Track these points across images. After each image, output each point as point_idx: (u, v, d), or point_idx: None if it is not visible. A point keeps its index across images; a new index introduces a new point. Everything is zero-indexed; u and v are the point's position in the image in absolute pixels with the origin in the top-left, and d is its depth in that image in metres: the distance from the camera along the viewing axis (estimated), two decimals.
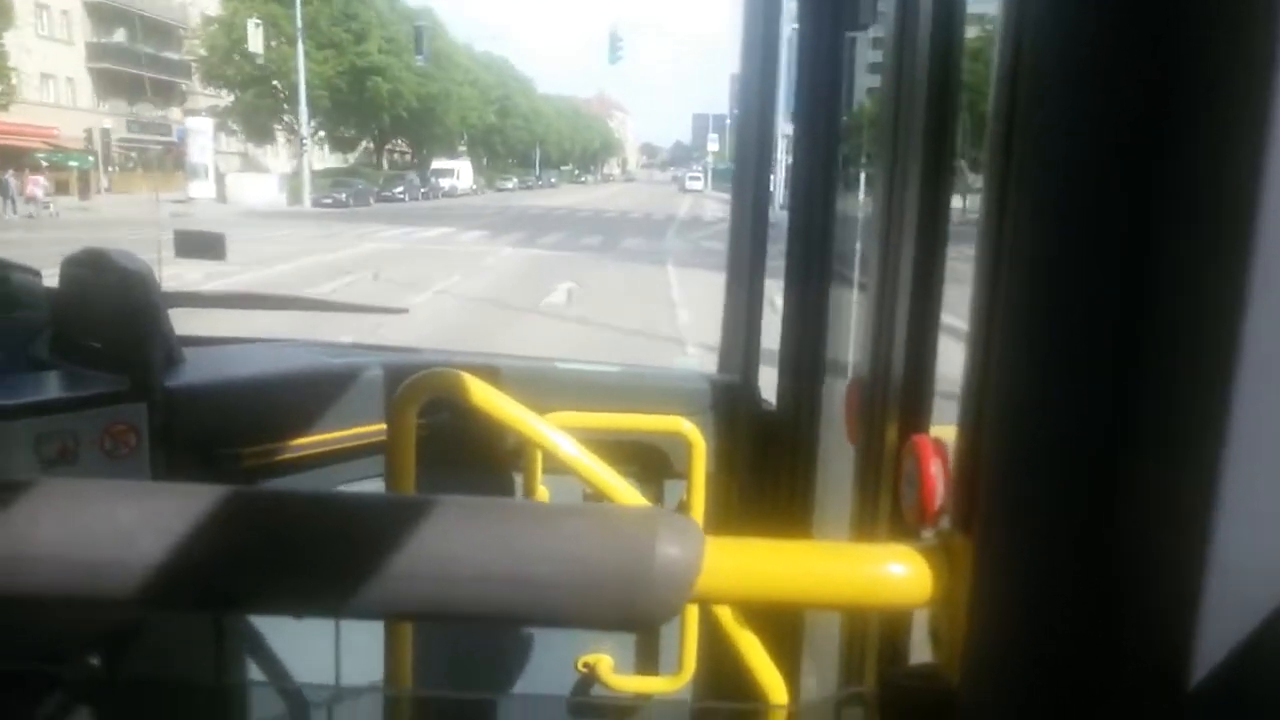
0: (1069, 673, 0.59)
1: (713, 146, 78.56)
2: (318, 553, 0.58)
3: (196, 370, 1.77)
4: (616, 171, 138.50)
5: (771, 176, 2.14)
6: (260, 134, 49.26)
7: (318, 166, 49.46)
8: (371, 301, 11.03)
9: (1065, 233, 0.56)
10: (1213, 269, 0.50)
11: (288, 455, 1.73)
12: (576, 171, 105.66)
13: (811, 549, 0.79)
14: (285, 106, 46.54)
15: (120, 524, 0.58)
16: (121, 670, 1.60)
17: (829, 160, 1.81)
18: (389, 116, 50.69)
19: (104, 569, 0.58)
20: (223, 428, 1.70)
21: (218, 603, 0.72)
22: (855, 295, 1.70)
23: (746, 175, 2.10)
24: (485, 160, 73.92)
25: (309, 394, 1.83)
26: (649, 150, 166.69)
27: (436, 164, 57.89)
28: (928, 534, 1.03)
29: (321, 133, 50.99)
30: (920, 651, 0.74)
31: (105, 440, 1.56)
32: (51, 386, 1.62)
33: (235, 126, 48.18)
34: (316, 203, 39.05)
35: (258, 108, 46.90)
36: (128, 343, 1.63)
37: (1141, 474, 0.55)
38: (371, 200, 41.55)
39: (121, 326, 1.65)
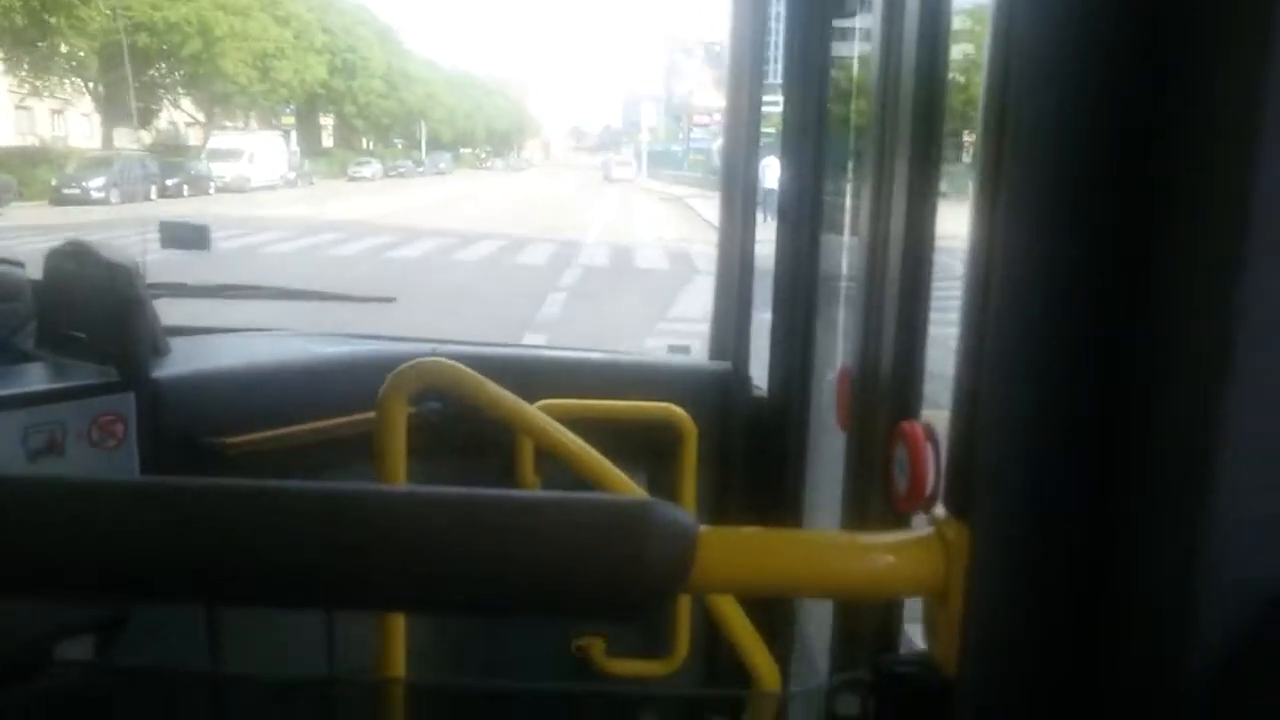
0: (1065, 659, 0.59)
1: (649, 122, 70.86)
2: (306, 545, 0.57)
3: (183, 360, 1.76)
4: (539, 156, 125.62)
5: (760, 163, 2.13)
6: None
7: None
8: None
9: (1058, 216, 0.56)
10: (1209, 256, 0.51)
11: (276, 445, 1.73)
12: (484, 155, 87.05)
13: (806, 538, 0.79)
14: None
15: (103, 517, 0.58)
16: (112, 658, 1.60)
17: (818, 147, 1.80)
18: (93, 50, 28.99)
19: (89, 562, 0.57)
20: (210, 418, 1.69)
21: (205, 595, 0.71)
22: (845, 281, 1.70)
23: (736, 162, 2.10)
24: (336, 136, 56.53)
25: (297, 383, 1.83)
26: (577, 134, 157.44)
27: (216, 141, 35.72)
28: (919, 519, 1.04)
29: None
30: (913, 637, 0.74)
31: (93, 431, 1.55)
32: (37, 378, 1.62)
33: None
34: None
35: None
36: (114, 333, 1.63)
37: (1139, 459, 0.55)
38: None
39: (107, 317, 1.64)
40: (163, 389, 1.64)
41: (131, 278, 1.65)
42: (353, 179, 44.65)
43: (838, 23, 1.77)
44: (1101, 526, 0.57)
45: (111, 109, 32.88)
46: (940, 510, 0.67)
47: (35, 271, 1.84)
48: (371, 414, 1.49)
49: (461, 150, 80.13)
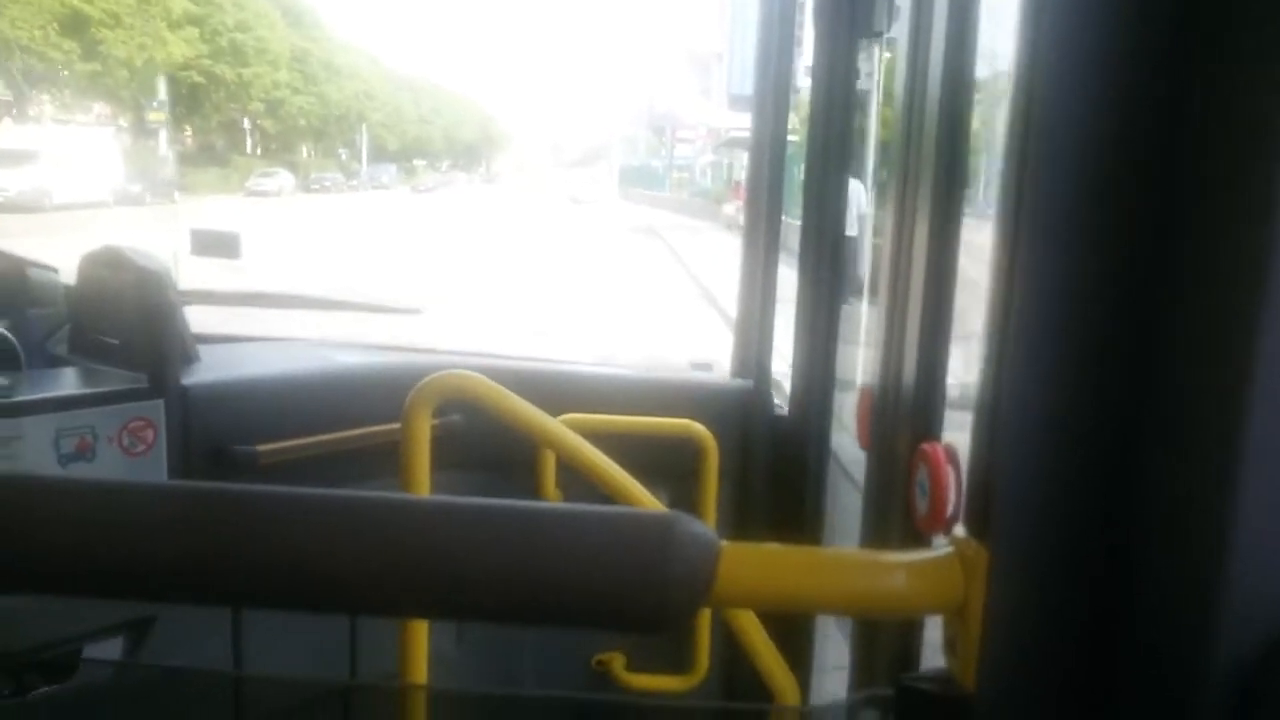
0: (1085, 679, 0.60)
1: (624, 135, 62.19)
2: (334, 552, 0.58)
3: (212, 368, 1.78)
4: (513, 171, 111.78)
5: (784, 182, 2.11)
6: None
7: None
8: None
9: (1079, 240, 0.57)
10: (1228, 278, 0.51)
11: (302, 453, 1.75)
12: (443, 168, 75.11)
13: (826, 555, 0.80)
14: None
15: (135, 521, 0.59)
16: (141, 657, 1.62)
17: (841, 167, 1.81)
18: None
19: (119, 563, 0.59)
20: (238, 425, 1.71)
21: (231, 598, 0.74)
22: (867, 300, 1.73)
23: (760, 183, 2.11)
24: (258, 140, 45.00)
25: (324, 393, 1.85)
26: (557, 149, 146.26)
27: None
28: (939, 540, 1.05)
29: None
30: (933, 654, 0.74)
31: (123, 436, 1.58)
32: (70, 383, 1.64)
33: None
34: None
35: None
36: (145, 340, 1.65)
37: (1157, 481, 0.56)
38: None
39: (139, 323, 1.66)
40: (192, 396, 1.66)
41: (163, 284, 1.67)
42: (251, 194, 34.20)
43: (864, 43, 1.78)
44: (1119, 547, 0.58)
45: None
46: (960, 530, 0.68)
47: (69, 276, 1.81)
48: (397, 425, 1.51)
49: (415, 162, 69.53)
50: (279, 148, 47.84)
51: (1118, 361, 0.57)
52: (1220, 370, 0.51)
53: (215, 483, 0.62)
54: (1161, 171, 0.54)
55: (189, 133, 40.81)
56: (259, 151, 45.70)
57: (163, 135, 34.12)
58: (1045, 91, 0.56)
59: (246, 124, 42.92)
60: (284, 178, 38.00)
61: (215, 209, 27.13)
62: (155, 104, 33.68)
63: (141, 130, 34.87)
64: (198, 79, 36.74)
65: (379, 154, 59.63)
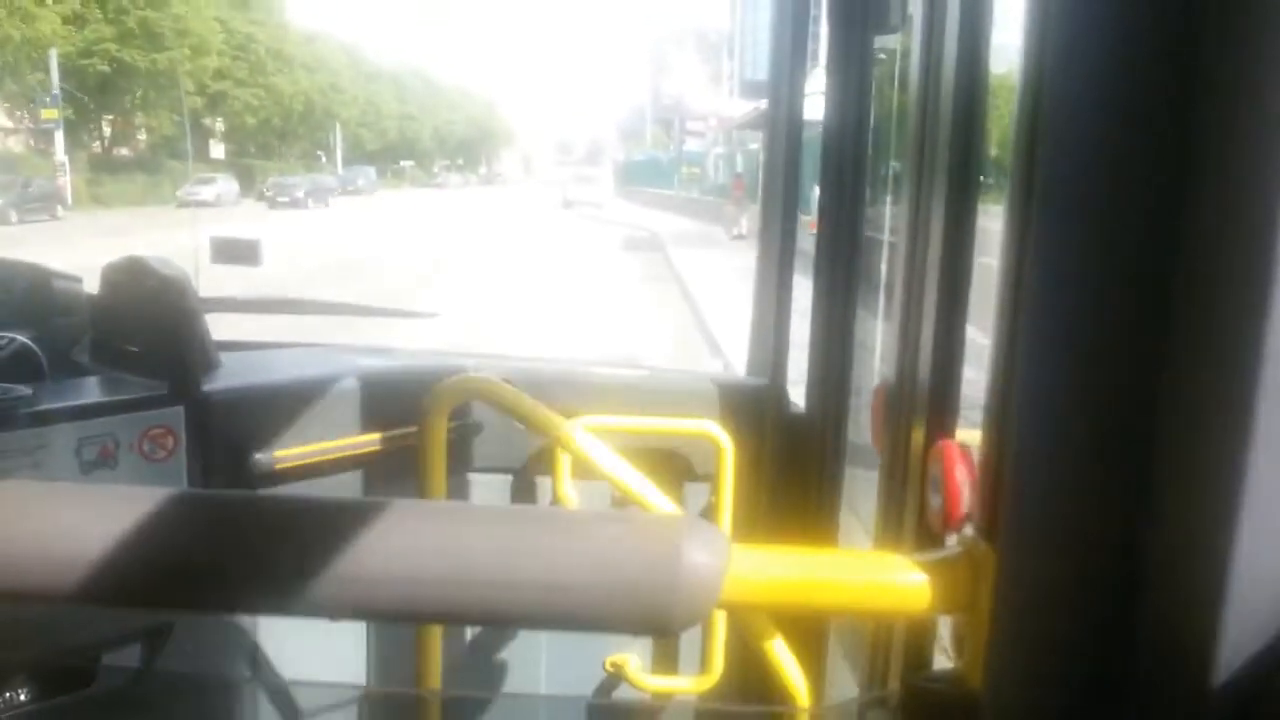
0: (1092, 680, 0.60)
1: (617, 127, 58.17)
2: (348, 558, 0.59)
3: (232, 375, 1.80)
4: (519, 170, 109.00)
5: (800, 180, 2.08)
6: None
7: None
8: None
9: (1090, 237, 0.57)
10: (1238, 276, 0.51)
11: (322, 458, 1.77)
12: (440, 170, 68.57)
13: (836, 557, 0.80)
14: None
15: (145, 527, 0.60)
16: (158, 665, 1.63)
17: (857, 165, 1.81)
18: None
19: (127, 570, 0.60)
20: (258, 431, 1.73)
21: (246, 606, 0.76)
22: (883, 298, 1.70)
23: (775, 179, 2.10)
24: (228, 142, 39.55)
25: (342, 398, 1.86)
26: (565, 147, 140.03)
27: None
28: (952, 540, 1.04)
29: None
30: (945, 656, 0.75)
31: (144, 443, 1.60)
32: (92, 391, 1.66)
33: None
34: None
35: None
36: (165, 347, 1.67)
37: (1165, 481, 0.56)
38: None
39: (159, 331, 1.68)
40: (212, 403, 1.68)
41: (184, 291, 1.70)
42: (184, 204, 27.53)
43: (879, 40, 1.76)
44: (1127, 548, 0.58)
45: None
46: (969, 530, 0.68)
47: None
48: (414, 428, 1.54)
49: (403, 163, 63.58)
50: (238, 151, 42.12)
51: (1127, 362, 0.57)
52: (1231, 369, 0.50)
53: (231, 490, 0.63)
54: (1173, 169, 0.54)
55: (108, 134, 35.11)
56: (219, 154, 39.93)
57: (58, 137, 28.28)
58: (1054, 85, 0.57)
59: (183, 123, 35.59)
60: (223, 184, 31.65)
61: (110, 224, 22.07)
62: (49, 99, 27.33)
63: (41, 133, 29.09)
64: (103, 68, 30.54)
65: (357, 155, 53.10)
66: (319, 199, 33.60)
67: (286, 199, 32.17)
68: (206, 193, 29.41)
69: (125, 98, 33.40)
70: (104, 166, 32.68)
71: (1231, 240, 0.52)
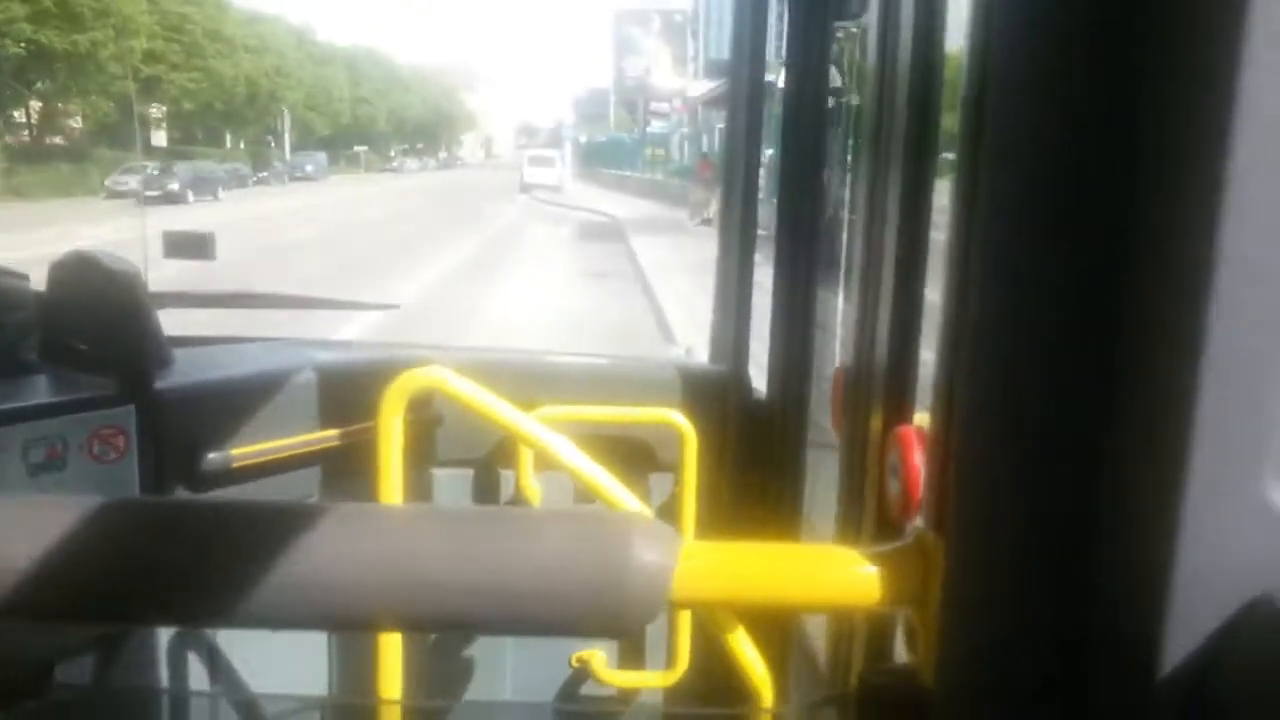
0: (1041, 670, 0.59)
1: (574, 104, 57.22)
2: (290, 566, 0.58)
3: (185, 371, 1.76)
4: (480, 154, 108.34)
5: (760, 166, 2.07)
6: None
7: None
8: None
9: (1038, 222, 0.56)
10: (1183, 267, 0.51)
11: (279, 455, 1.73)
12: (397, 155, 67.45)
13: (786, 551, 0.79)
14: None
15: (80, 537, 0.58)
16: (111, 677, 1.59)
17: (816, 150, 1.81)
18: None
19: (63, 584, 0.58)
20: (213, 429, 1.69)
21: (201, 618, 0.75)
22: (843, 280, 1.70)
23: (736, 164, 2.09)
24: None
25: (299, 393, 1.83)
26: (528, 130, 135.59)
27: None
28: (911, 525, 1.14)
29: None
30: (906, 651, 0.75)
31: (94, 444, 1.55)
32: (39, 391, 1.61)
33: None
34: None
35: None
36: (115, 344, 1.63)
37: (1114, 470, 0.56)
38: None
39: (109, 328, 1.64)
40: (165, 401, 1.64)
41: (134, 286, 1.65)
42: (112, 194, 27.12)
43: (838, 24, 1.76)
44: (1075, 538, 0.57)
45: None
46: (920, 520, 0.68)
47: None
48: (372, 423, 1.52)
49: (356, 148, 61.66)
50: (184, 138, 40.48)
51: (1074, 350, 0.56)
52: (1177, 359, 0.50)
53: (179, 498, 0.61)
54: (1118, 158, 0.54)
55: (32, 121, 33.42)
56: (161, 142, 38.03)
57: None
58: (999, 76, 0.56)
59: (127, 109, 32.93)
60: (132, 177, 28.45)
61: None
62: None
63: None
64: (17, 49, 28.46)
65: (309, 141, 51.53)
66: (202, 191, 29.02)
67: (157, 192, 26.45)
68: (133, 182, 27.59)
69: (44, 82, 31.53)
70: (24, 156, 30.93)
71: (1175, 231, 0.51)
